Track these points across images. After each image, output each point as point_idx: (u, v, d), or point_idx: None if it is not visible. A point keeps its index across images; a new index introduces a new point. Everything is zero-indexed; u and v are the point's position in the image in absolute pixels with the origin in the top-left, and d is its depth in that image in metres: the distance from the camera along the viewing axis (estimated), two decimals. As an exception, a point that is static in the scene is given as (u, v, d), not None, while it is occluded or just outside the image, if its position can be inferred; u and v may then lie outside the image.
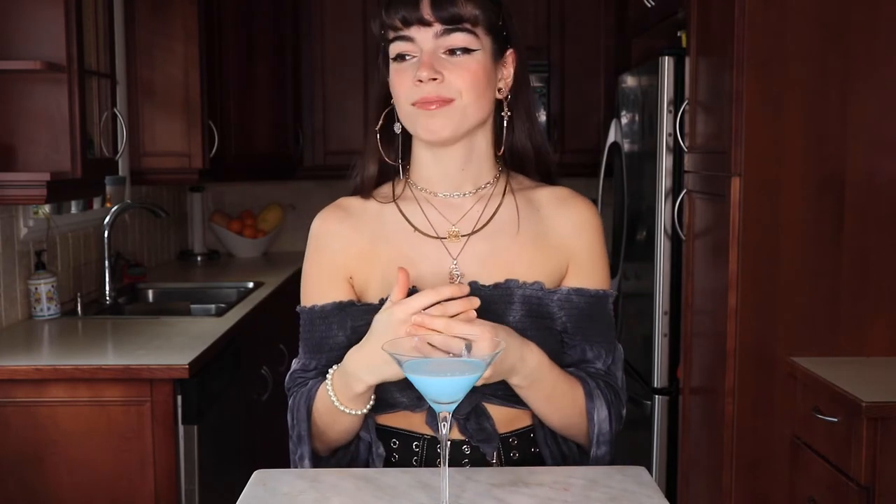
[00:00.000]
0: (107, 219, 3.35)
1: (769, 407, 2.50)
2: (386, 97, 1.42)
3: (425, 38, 1.33)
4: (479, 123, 1.38)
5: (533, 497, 1.22)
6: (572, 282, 1.41)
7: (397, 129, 1.41)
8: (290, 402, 1.43)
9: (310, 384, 1.40)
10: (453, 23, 1.32)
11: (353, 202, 1.46)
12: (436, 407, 1.14)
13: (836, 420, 2.22)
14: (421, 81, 1.31)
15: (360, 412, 1.33)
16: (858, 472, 2.12)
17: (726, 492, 2.55)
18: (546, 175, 1.48)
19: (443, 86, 1.32)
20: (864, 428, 2.10)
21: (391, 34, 1.35)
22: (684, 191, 2.90)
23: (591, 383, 1.38)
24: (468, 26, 1.33)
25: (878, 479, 2.11)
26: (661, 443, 3.14)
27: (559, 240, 1.42)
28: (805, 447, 2.40)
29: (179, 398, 2.35)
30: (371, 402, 1.34)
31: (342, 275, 1.42)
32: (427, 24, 1.32)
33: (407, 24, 1.33)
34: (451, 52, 1.33)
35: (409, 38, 1.34)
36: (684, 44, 2.97)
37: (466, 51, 1.34)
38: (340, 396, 1.33)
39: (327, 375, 1.36)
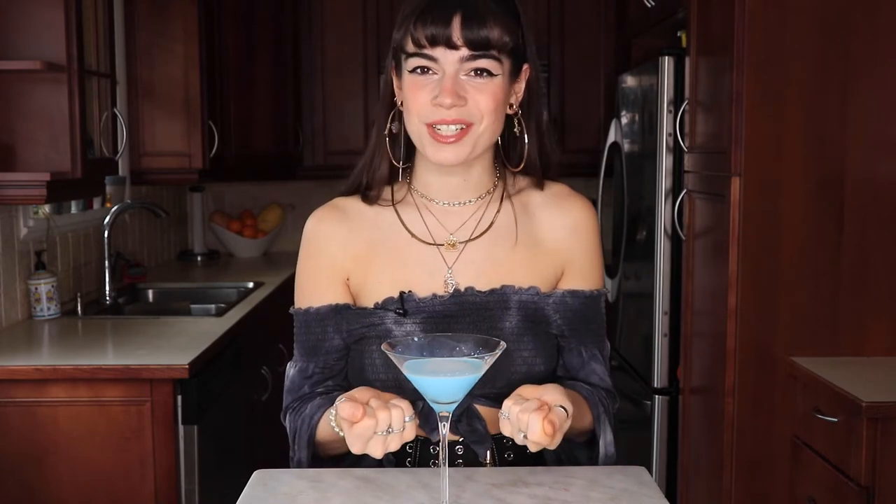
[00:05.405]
0: (107, 219, 3.35)
1: (769, 407, 2.50)
2: (392, 97, 1.39)
3: (449, 61, 1.28)
4: (490, 146, 1.37)
5: (533, 497, 1.21)
6: (567, 283, 1.41)
7: (395, 128, 1.38)
8: (289, 423, 1.40)
9: (310, 409, 1.37)
10: (481, 49, 1.28)
11: (350, 203, 1.43)
12: (436, 407, 1.14)
13: (836, 420, 2.22)
14: (441, 105, 1.28)
15: None
16: (858, 472, 2.12)
17: (726, 492, 2.54)
18: (548, 176, 1.46)
19: (464, 110, 1.29)
20: (864, 428, 2.10)
21: (412, 48, 1.30)
22: (684, 191, 2.90)
23: (599, 407, 1.37)
24: (494, 53, 1.29)
25: (878, 479, 2.11)
26: (661, 443, 3.14)
27: (554, 243, 1.41)
28: (805, 447, 2.40)
29: (179, 398, 2.35)
30: None
31: (339, 277, 1.41)
32: (454, 47, 1.28)
33: (434, 43, 1.28)
34: (474, 72, 1.29)
35: (431, 58, 1.29)
36: (684, 44, 2.97)
37: (489, 74, 1.30)
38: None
39: (331, 409, 1.29)
